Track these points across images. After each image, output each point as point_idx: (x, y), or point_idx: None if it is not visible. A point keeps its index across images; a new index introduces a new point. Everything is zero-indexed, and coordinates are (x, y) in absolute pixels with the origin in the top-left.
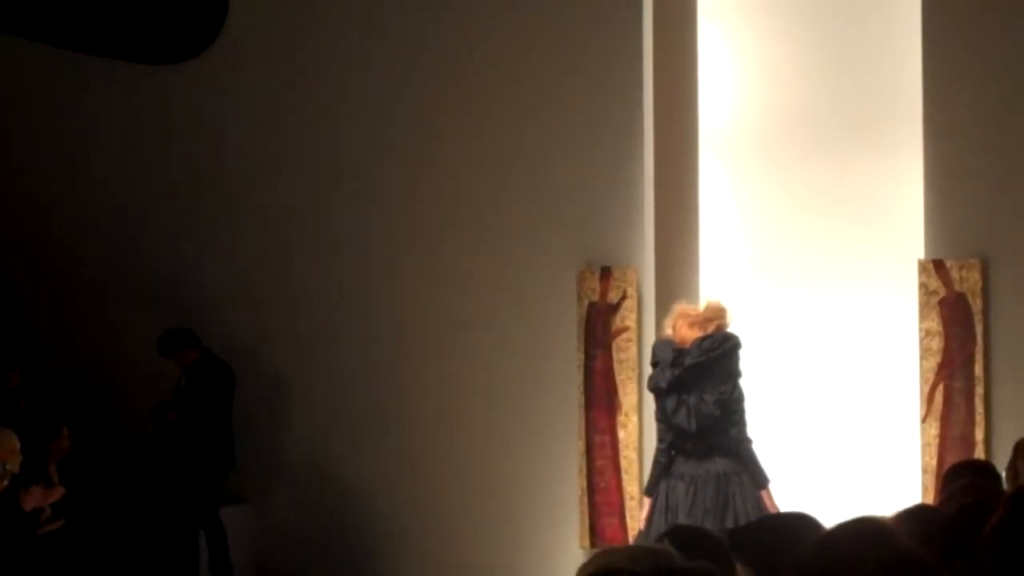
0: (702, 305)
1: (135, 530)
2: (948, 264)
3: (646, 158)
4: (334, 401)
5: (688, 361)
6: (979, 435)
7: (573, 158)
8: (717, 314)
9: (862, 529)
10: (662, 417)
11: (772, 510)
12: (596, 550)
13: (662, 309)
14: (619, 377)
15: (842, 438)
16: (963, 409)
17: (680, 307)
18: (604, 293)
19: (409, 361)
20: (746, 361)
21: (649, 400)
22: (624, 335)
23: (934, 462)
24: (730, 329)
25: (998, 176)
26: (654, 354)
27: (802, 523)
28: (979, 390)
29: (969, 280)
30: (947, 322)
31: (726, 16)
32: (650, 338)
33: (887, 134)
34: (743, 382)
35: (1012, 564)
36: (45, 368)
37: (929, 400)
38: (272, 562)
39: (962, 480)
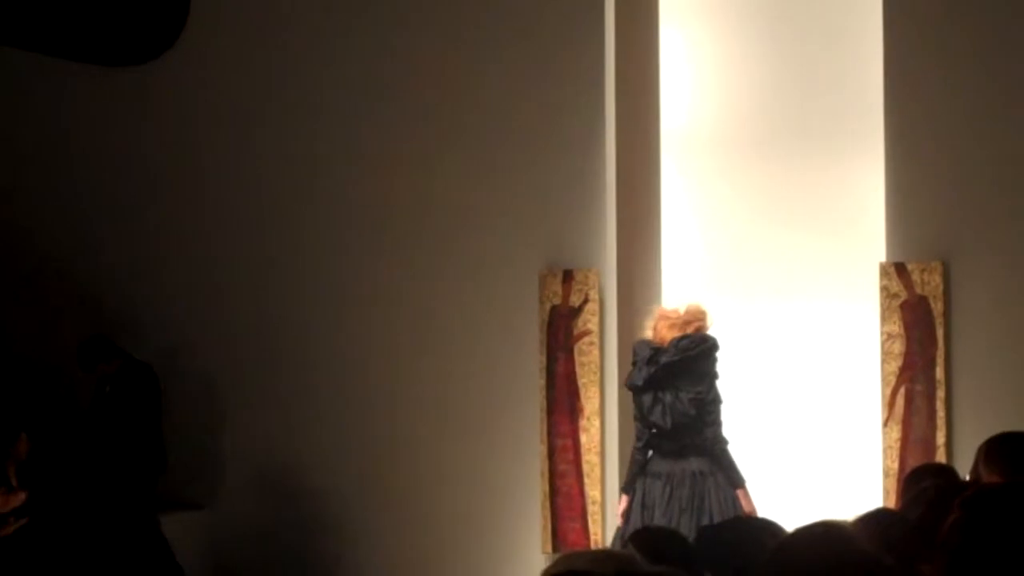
0: (683, 308)
1: (97, 531)
2: (909, 267)
3: (608, 162)
4: (294, 405)
5: (664, 359)
6: (940, 438)
7: (535, 162)
8: (697, 316)
9: (822, 533)
10: (638, 415)
11: (748, 510)
12: (558, 554)
13: (624, 312)
14: (581, 381)
15: (804, 441)
16: (924, 412)
17: (660, 309)
18: (566, 296)
19: (370, 364)
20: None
21: (611, 404)
22: (586, 338)
23: (896, 465)
24: (710, 331)
25: (959, 179)
26: (634, 353)
27: (766, 529)
28: (940, 393)
29: (931, 283)
30: (909, 325)
31: (688, 22)
32: (612, 341)
33: (848, 137)
34: (720, 384)
35: (969, 566)
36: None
37: (891, 403)
38: (231, 567)
39: (923, 483)
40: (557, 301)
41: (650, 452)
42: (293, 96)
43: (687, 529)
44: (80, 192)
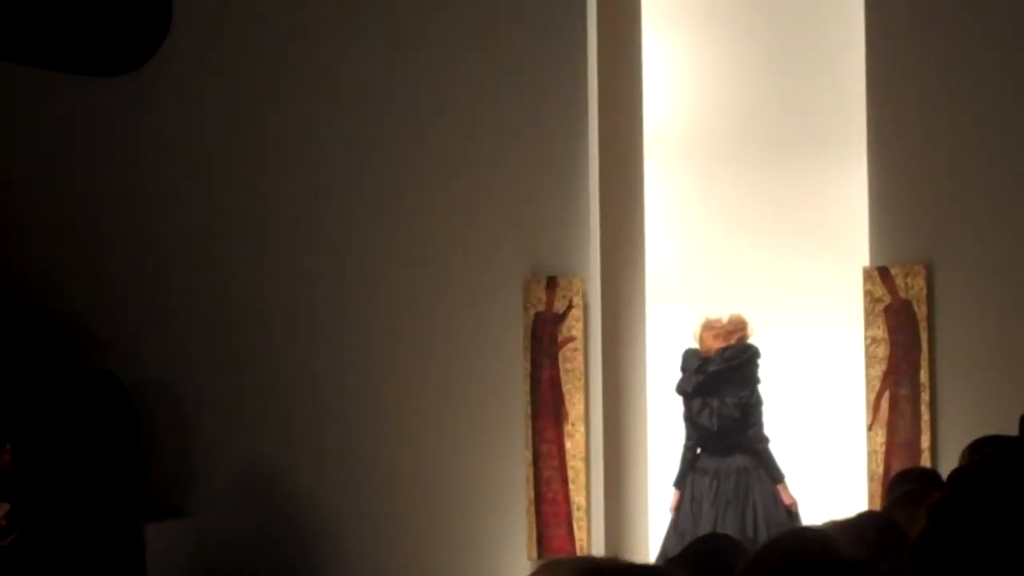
0: (725, 317)
1: (79, 541)
2: (893, 271)
3: (591, 168)
4: (274, 411)
5: (711, 368)
6: (925, 442)
7: (518, 167)
8: (739, 326)
9: (802, 539)
10: (688, 417)
11: (788, 502)
12: (543, 560)
13: (608, 319)
14: (566, 387)
15: (788, 445)
16: (909, 416)
17: (705, 319)
18: (550, 303)
19: (353, 371)
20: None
21: (596, 410)
22: (570, 345)
23: (880, 469)
24: (751, 340)
25: (942, 182)
26: (682, 361)
27: (734, 544)
28: (925, 397)
29: (914, 287)
30: (892, 329)
31: (671, 26)
32: (596, 348)
33: (831, 141)
34: (761, 388)
35: (936, 573)
36: None
37: (875, 407)
38: (217, 575)
39: (904, 487)
40: (541, 308)
41: (698, 450)
42: (275, 102)
43: (732, 521)
44: (60, 201)
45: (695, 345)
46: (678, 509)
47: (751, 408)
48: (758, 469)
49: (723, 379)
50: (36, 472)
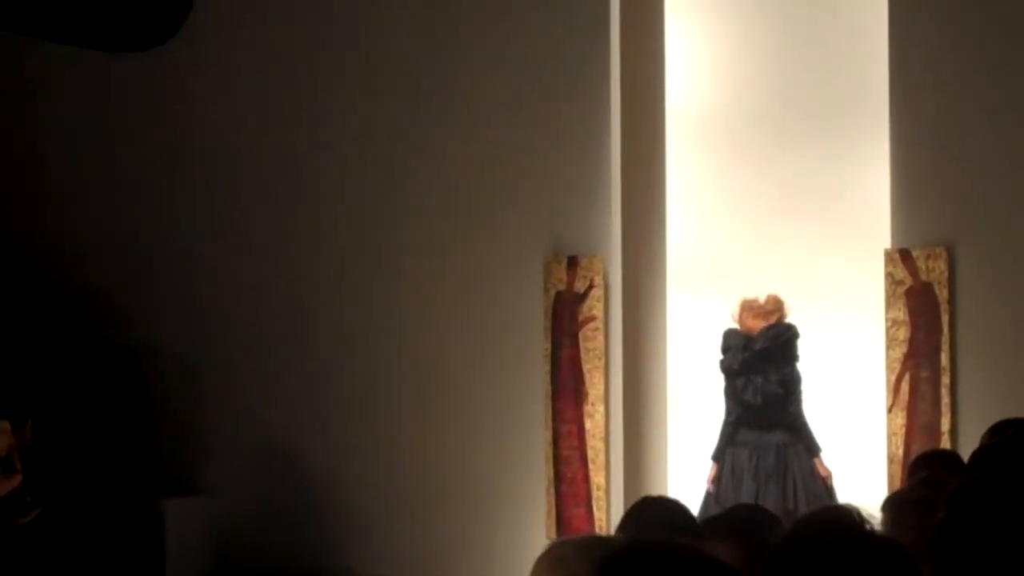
0: (762, 298)
1: (98, 521)
2: (915, 253)
3: (613, 147)
4: (294, 390)
5: (757, 347)
6: (945, 425)
7: (540, 148)
8: (777, 306)
9: (835, 516)
10: (731, 394)
11: (823, 474)
12: (551, 541)
13: (629, 298)
14: (586, 367)
15: (809, 427)
16: (929, 398)
17: (744, 300)
18: (571, 282)
19: (374, 351)
20: (712, 346)
21: (616, 390)
22: (591, 324)
23: (900, 452)
24: (788, 320)
25: (964, 164)
26: (725, 341)
27: (769, 516)
28: (945, 379)
29: (935, 269)
30: (913, 312)
31: (693, 8)
32: (617, 327)
33: (853, 123)
34: (800, 366)
35: (954, 565)
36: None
37: (895, 390)
38: (232, 554)
39: (923, 473)
40: (562, 287)
41: (737, 424)
42: (300, 80)
43: (774, 493)
44: (80, 177)
45: (733, 325)
46: (717, 482)
47: (792, 385)
48: (796, 444)
49: (767, 357)
50: (55, 447)
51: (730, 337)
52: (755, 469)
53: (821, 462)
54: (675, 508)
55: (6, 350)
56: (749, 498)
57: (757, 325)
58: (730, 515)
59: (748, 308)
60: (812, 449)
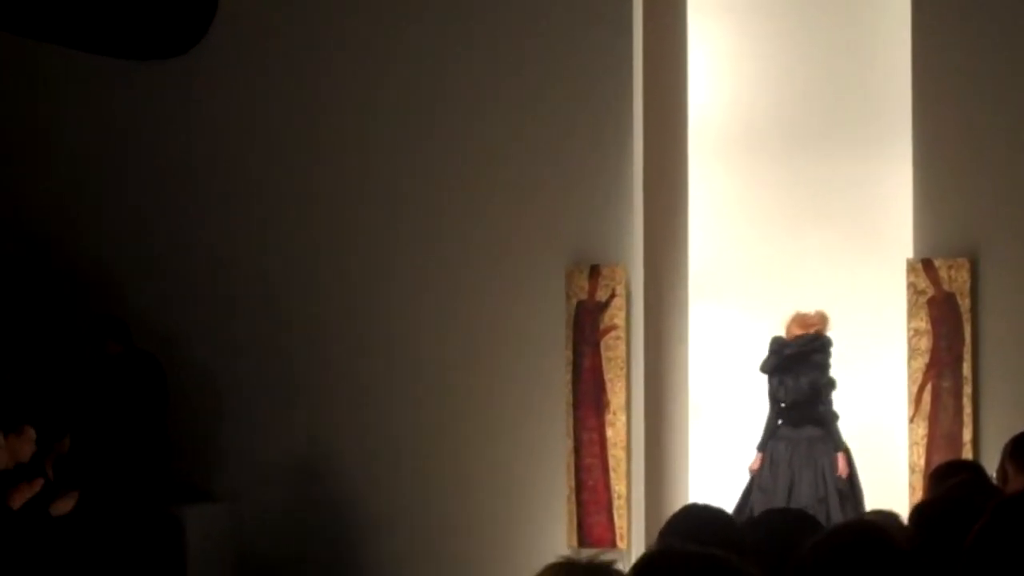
0: (812, 312)
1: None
2: (937, 264)
3: (635, 157)
4: (318, 400)
5: (787, 352)
6: (967, 435)
7: (562, 156)
8: (820, 320)
9: (858, 530)
10: (769, 392)
11: (840, 468)
12: (584, 549)
13: (651, 307)
14: (608, 375)
15: None
16: (951, 408)
17: (796, 312)
18: (593, 291)
19: (394, 359)
20: (733, 355)
21: (637, 399)
22: (613, 333)
23: (922, 461)
24: (828, 333)
25: (987, 175)
26: (769, 346)
27: (802, 522)
28: (967, 390)
29: (958, 280)
30: (935, 321)
31: (716, 19)
32: (639, 336)
33: (876, 133)
34: (833, 372)
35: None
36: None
37: (917, 399)
38: (253, 562)
39: (959, 476)
40: (583, 296)
41: (780, 420)
42: (318, 89)
43: (807, 481)
44: (101, 183)
45: (781, 333)
46: (760, 470)
47: (822, 388)
48: (826, 440)
49: (796, 361)
50: (87, 455)
51: (773, 343)
52: (790, 460)
53: (843, 458)
54: (717, 517)
55: (39, 354)
56: (784, 485)
57: (798, 333)
58: (765, 522)
59: (795, 319)
60: (837, 445)
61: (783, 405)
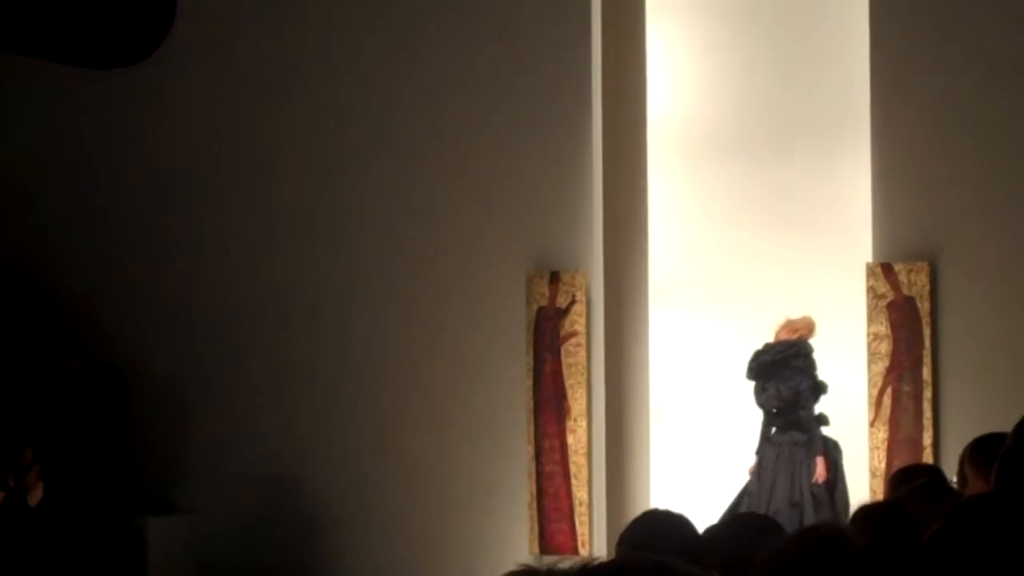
0: (798, 318)
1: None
2: (896, 267)
3: (595, 162)
4: (276, 407)
5: (763, 358)
6: (927, 439)
7: (522, 162)
8: (804, 325)
9: (818, 536)
10: (755, 398)
11: (818, 472)
12: (546, 556)
13: (611, 313)
14: (568, 382)
15: None
16: (911, 412)
17: (786, 318)
18: (553, 297)
19: (355, 366)
20: (694, 361)
21: (598, 405)
22: (573, 339)
23: (882, 465)
24: (810, 340)
25: (945, 179)
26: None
27: (766, 528)
28: (927, 393)
29: (917, 283)
30: (895, 325)
31: (675, 21)
32: (599, 342)
33: (835, 137)
34: (819, 376)
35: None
36: None
37: (877, 403)
38: (215, 571)
39: (919, 480)
40: (544, 302)
41: (773, 427)
42: (280, 97)
43: (783, 486)
44: (62, 194)
45: (755, 338)
46: (757, 473)
47: (802, 393)
48: (808, 445)
49: (779, 367)
50: (50, 468)
51: (756, 350)
52: (773, 464)
53: (820, 463)
54: (679, 523)
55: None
56: (767, 489)
57: (783, 339)
58: (730, 528)
59: (784, 325)
60: (814, 449)
61: (773, 411)
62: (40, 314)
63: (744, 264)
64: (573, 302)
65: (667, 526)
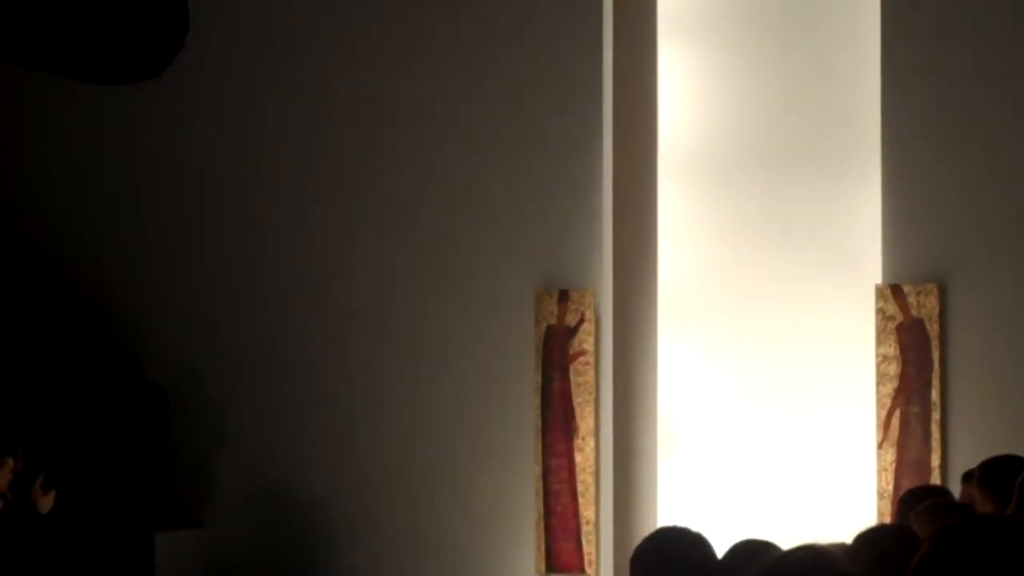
0: None
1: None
2: (905, 289)
3: (605, 181)
4: (286, 424)
5: None
6: (935, 461)
7: (532, 180)
8: None
9: (806, 556)
10: None
11: None
12: (553, 575)
13: (620, 332)
14: (576, 400)
15: (798, 462)
16: (919, 434)
17: None
18: (562, 316)
19: (366, 384)
20: (702, 381)
21: (606, 424)
22: (582, 358)
23: (890, 487)
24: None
25: (955, 201)
26: None
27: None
28: (935, 415)
29: (926, 305)
30: (904, 347)
31: (686, 45)
32: (608, 361)
33: (845, 159)
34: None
35: None
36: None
37: (886, 425)
38: None
39: (927, 501)
40: (553, 321)
41: None
42: (290, 111)
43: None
44: (82, 210)
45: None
46: None
47: None
48: None
49: None
50: (71, 478)
51: None
52: None
53: None
54: (694, 541)
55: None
56: None
57: None
58: (737, 553)
59: None
60: None
61: None
62: (95, 325)
63: (753, 285)
64: (582, 321)
65: (680, 546)
